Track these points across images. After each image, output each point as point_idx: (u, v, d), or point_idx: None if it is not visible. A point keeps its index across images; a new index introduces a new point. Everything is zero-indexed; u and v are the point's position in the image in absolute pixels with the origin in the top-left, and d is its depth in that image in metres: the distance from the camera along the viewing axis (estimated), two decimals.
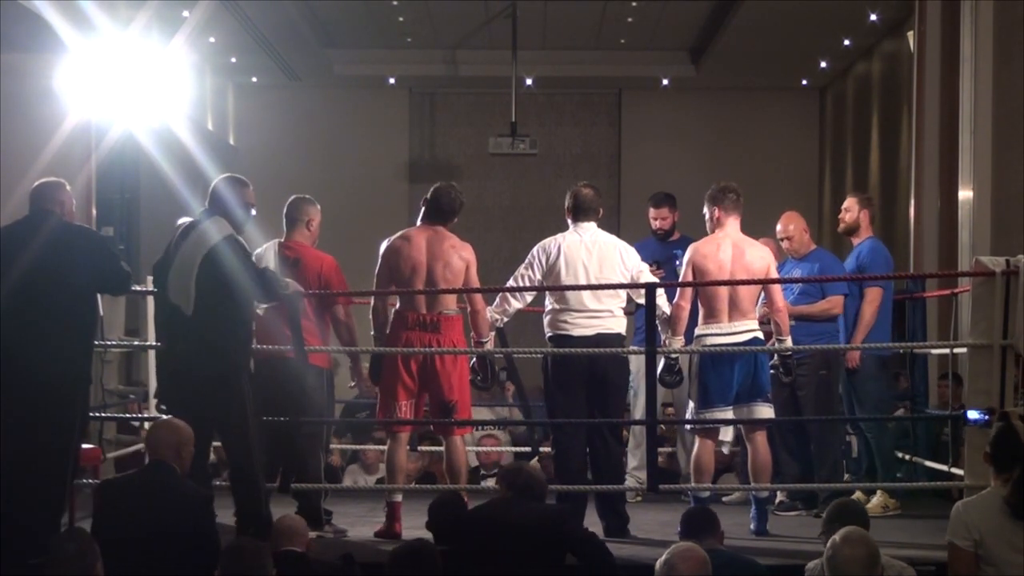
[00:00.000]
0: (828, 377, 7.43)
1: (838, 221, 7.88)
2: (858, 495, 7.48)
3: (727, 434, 7.21)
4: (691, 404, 6.85)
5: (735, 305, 6.71)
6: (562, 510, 5.62)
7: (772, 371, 6.85)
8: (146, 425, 7.16)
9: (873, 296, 7.45)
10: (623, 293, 6.81)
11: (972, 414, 5.43)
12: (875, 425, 7.48)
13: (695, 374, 6.77)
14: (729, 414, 6.74)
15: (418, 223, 6.71)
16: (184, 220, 7.35)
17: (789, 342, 6.86)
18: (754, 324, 6.76)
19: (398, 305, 6.63)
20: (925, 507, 7.45)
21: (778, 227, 7.61)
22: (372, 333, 6.72)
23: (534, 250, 6.82)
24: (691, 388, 6.84)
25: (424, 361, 6.54)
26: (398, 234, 6.70)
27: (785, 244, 7.59)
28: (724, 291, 6.69)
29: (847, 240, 8.00)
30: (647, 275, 6.84)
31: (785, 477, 7.44)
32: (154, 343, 7.40)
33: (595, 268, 6.71)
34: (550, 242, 6.80)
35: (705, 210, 6.92)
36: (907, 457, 7.94)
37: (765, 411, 6.78)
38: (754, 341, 6.73)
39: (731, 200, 6.84)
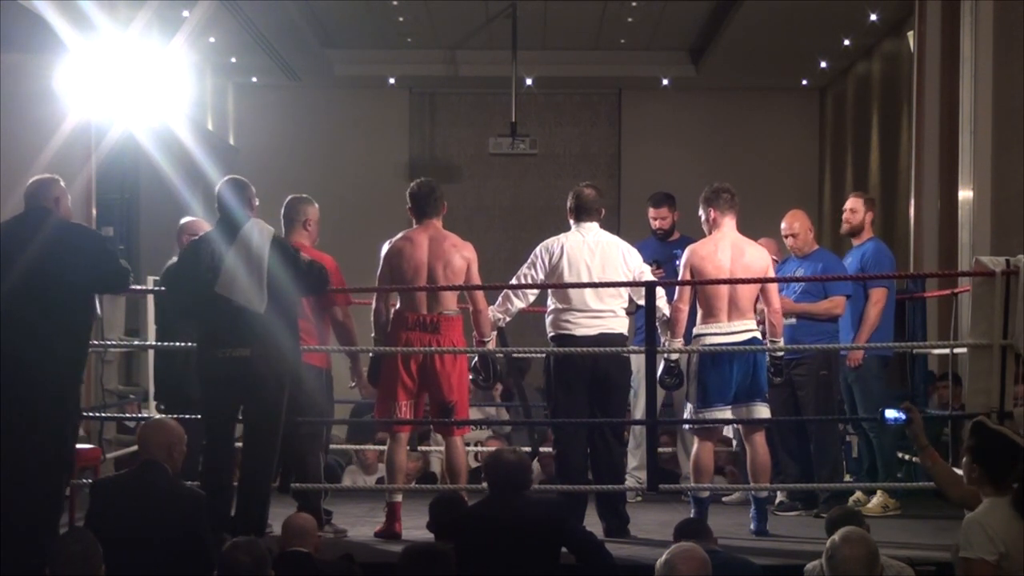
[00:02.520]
0: (828, 377, 7.43)
1: (841, 222, 7.88)
2: (858, 495, 7.50)
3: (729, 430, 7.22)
4: (688, 404, 6.86)
5: (735, 305, 6.71)
6: (560, 507, 5.62)
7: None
8: None
9: (878, 297, 7.45)
10: (625, 293, 6.81)
11: (890, 413, 5.33)
12: (876, 425, 7.48)
13: (694, 373, 6.77)
14: (728, 413, 6.74)
15: (414, 225, 6.71)
16: (188, 219, 7.36)
17: (781, 343, 6.87)
18: (753, 324, 6.77)
19: (398, 305, 6.63)
20: (925, 507, 7.44)
21: (783, 224, 7.61)
22: (373, 335, 6.71)
23: (537, 249, 6.82)
24: (689, 388, 6.84)
25: (424, 361, 6.54)
26: (399, 235, 6.70)
27: (789, 241, 7.59)
28: (724, 291, 6.69)
29: (846, 240, 7.99)
30: (649, 277, 6.84)
31: (785, 477, 7.44)
32: (153, 343, 7.43)
33: (598, 268, 6.72)
34: (553, 242, 6.80)
35: (700, 212, 6.92)
36: (907, 457, 7.94)
37: (763, 411, 6.79)
38: (753, 341, 6.73)
39: (725, 200, 6.84)
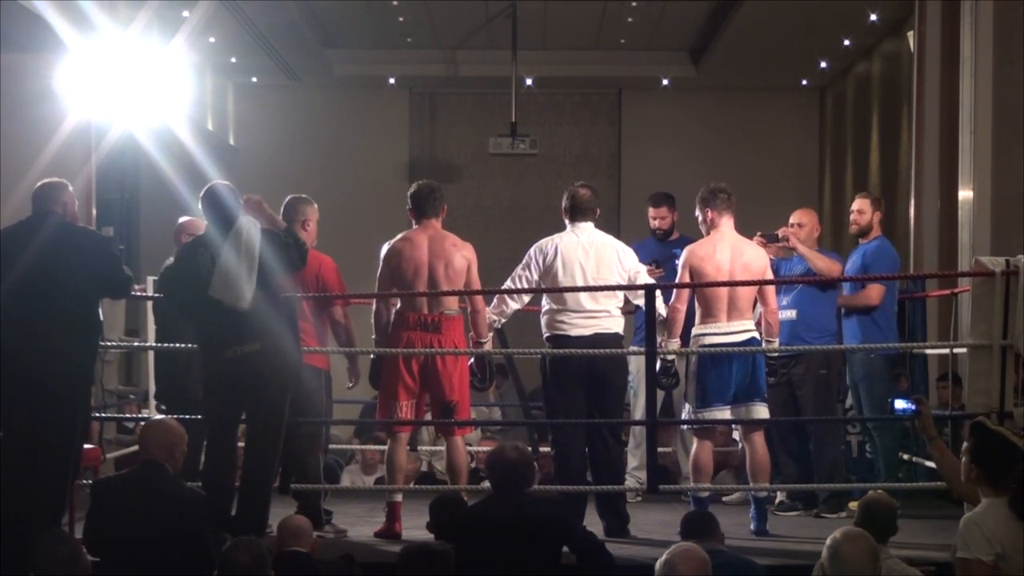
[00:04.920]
0: (827, 377, 7.44)
1: (840, 222, 7.89)
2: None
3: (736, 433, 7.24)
4: (687, 405, 6.86)
5: (734, 305, 6.72)
6: (561, 506, 5.63)
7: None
8: None
9: (874, 291, 7.45)
10: (620, 293, 6.81)
11: (899, 403, 5.39)
12: (879, 425, 7.48)
13: (693, 373, 6.77)
14: (727, 413, 6.75)
15: (413, 226, 6.71)
16: (186, 218, 7.39)
17: (777, 343, 6.87)
18: (751, 324, 6.78)
19: (399, 305, 6.64)
20: (925, 507, 7.45)
21: (791, 218, 7.62)
22: (374, 337, 6.71)
23: (531, 250, 6.82)
24: (688, 388, 6.84)
25: (425, 361, 6.54)
26: (399, 236, 6.71)
27: (793, 230, 7.57)
28: (723, 291, 6.70)
29: (847, 241, 7.99)
30: (644, 276, 6.85)
31: (785, 478, 7.44)
32: (153, 343, 7.43)
33: (592, 268, 6.72)
34: (547, 242, 6.80)
35: (698, 213, 6.93)
36: (908, 457, 7.95)
37: (762, 411, 6.79)
38: (751, 341, 6.74)
39: (722, 200, 6.85)
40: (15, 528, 5.29)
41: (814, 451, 7.47)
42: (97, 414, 7.79)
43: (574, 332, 6.68)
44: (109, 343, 8.39)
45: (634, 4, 12.55)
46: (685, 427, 7.37)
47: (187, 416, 6.34)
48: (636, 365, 7.33)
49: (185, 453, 5.34)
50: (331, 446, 8.14)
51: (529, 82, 14.14)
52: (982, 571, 4.34)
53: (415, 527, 6.40)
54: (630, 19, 13.06)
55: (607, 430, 6.72)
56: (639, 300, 6.78)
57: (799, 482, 7.34)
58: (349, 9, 12.79)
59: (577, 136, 15.73)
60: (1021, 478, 4.47)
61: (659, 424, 6.87)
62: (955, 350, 7.80)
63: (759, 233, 7.45)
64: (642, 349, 6.62)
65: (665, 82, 14.80)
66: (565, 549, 5.19)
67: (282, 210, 6.82)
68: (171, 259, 7.20)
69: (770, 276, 6.95)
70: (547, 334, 6.78)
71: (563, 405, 6.70)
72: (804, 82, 14.98)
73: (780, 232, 7.50)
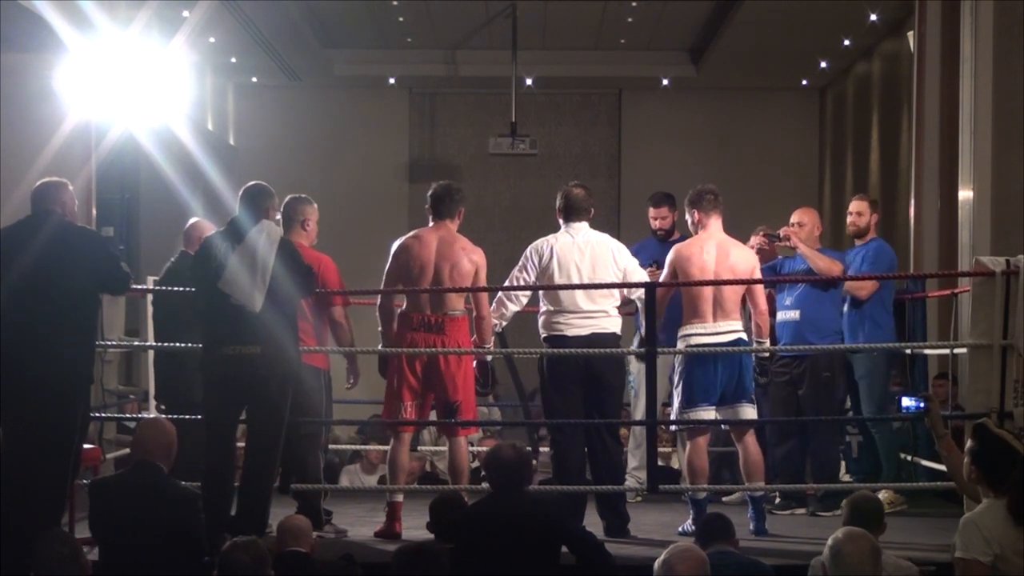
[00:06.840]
0: (830, 379, 7.42)
1: (840, 222, 7.90)
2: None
3: None
4: (675, 404, 6.86)
5: (719, 305, 6.71)
6: (560, 506, 5.63)
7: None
8: None
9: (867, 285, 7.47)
10: (617, 292, 6.81)
11: (906, 401, 5.39)
12: (878, 423, 7.49)
13: (679, 374, 6.77)
14: (713, 413, 6.74)
15: (429, 223, 6.72)
16: (196, 220, 7.39)
17: (767, 343, 6.87)
18: (738, 324, 6.77)
19: (404, 306, 6.64)
20: (925, 507, 7.45)
21: (792, 217, 7.62)
22: (379, 330, 6.71)
23: (527, 251, 6.82)
24: (674, 389, 6.83)
25: (428, 362, 6.54)
26: (410, 233, 6.72)
27: (794, 229, 7.57)
28: (708, 291, 6.70)
29: (845, 241, 7.99)
30: (638, 271, 6.84)
31: (783, 477, 7.44)
32: (153, 343, 7.44)
33: (588, 268, 6.72)
34: (542, 243, 6.80)
35: (686, 215, 6.94)
36: (908, 457, 7.94)
37: (750, 412, 6.79)
38: (738, 342, 6.73)
39: (709, 201, 6.85)
40: (15, 528, 5.30)
41: (813, 451, 7.46)
42: (97, 414, 7.80)
43: (571, 332, 6.68)
44: (109, 343, 8.39)
45: (634, 4, 12.55)
46: (673, 428, 7.37)
47: (187, 416, 6.35)
48: (637, 365, 7.32)
49: (175, 452, 5.36)
50: (331, 446, 8.13)
51: (529, 82, 14.15)
52: (979, 571, 4.35)
53: (415, 527, 6.40)
54: (630, 19, 13.06)
55: (606, 430, 6.72)
56: (634, 295, 6.79)
57: (793, 480, 7.34)
58: (349, 9, 12.79)
59: (577, 136, 15.74)
60: (1019, 484, 4.48)
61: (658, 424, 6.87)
62: (955, 350, 7.80)
63: (763, 233, 7.46)
64: (640, 349, 6.61)
65: (665, 82, 14.80)
66: (565, 549, 5.19)
67: (282, 210, 6.82)
68: (172, 259, 7.24)
69: (758, 278, 6.94)
70: (544, 335, 6.78)
71: (561, 405, 6.70)
72: (804, 82, 14.99)
73: (781, 232, 7.50)
